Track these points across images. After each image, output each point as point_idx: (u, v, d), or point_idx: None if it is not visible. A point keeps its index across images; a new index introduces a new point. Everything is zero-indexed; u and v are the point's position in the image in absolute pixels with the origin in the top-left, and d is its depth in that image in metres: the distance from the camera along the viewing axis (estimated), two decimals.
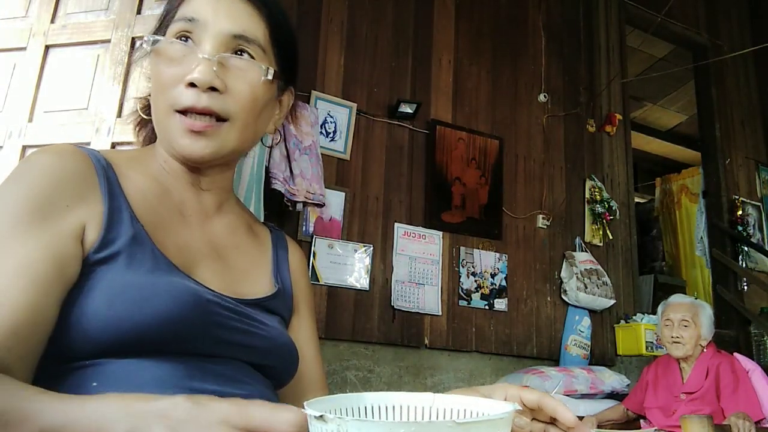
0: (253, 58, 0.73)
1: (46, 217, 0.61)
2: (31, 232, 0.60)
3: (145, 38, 0.71)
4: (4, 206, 0.61)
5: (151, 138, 0.85)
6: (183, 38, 0.71)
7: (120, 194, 0.69)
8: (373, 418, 0.53)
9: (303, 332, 0.86)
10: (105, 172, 0.69)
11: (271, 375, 0.75)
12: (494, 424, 0.42)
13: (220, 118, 0.71)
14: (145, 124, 0.85)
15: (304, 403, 0.47)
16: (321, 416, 0.41)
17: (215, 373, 0.66)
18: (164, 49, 0.71)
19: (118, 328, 0.60)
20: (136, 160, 0.76)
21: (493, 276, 3.75)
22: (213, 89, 0.69)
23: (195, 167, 0.76)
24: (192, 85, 0.68)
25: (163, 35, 0.73)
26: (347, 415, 0.44)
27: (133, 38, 2.43)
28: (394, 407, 0.56)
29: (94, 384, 0.59)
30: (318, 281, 3.16)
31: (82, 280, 0.62)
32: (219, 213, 0.81)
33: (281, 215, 3.09)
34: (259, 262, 0.83)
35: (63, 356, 0.60)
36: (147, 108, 0.80)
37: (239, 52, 0.72)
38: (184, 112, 0.69)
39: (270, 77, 0.73)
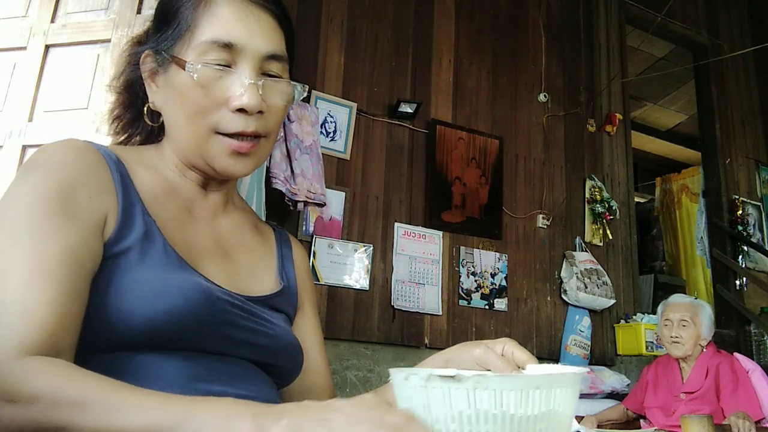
0: (281, 75, 0.75)
1: (73, 206, 0.62)
2: (65, 220, 0.60)
3: (187, 65, 0.69)
4: (32, 196, 0.61)
5: (130, 134, 0.84)
6: (220, 64, 0.70)
7: (132, 189, 0.70)
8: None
9: (307, 330, 0.86)
10: (117, 167, 0.70)
11: (276, 374, 0.75)
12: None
13: (259, 136, 0.73)
14: (129, 121, 0.84)
15: (391, 371, 0.48)
16: (454, 376, 0.42)
17: (221, 371, 0.66)
18: (201, 72, 0.70)
19: (129, 323, 0.60)
20: (142, 158, 0.76)
21: (493, 276, 3.75)
22: (259, 112, 0.71)
23: (211, 176, 0.77)
24: (240, 110, 0.69)
25: (170, 44, 0.72)
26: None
27: (133, 38, 2.43)
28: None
29: None
30: (318, 281, 3.16)
31: (96, 273, 0.62)
32: (225, 211, 0.82)
33: (282, 215, 3.09)
34: (264, 260, 0.84)
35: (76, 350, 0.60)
36: (142, 114, 0.79)
37: (273, 71, 0.74)
38: (229, 134, 0.71)
39: (304, 95, 0.76)
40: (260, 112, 0.71)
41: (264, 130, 0.72)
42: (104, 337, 0.60)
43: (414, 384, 0.44)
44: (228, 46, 0.70)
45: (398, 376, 0.46)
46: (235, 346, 0.69)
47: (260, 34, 0.72)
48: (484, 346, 0.65)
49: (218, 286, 0.71)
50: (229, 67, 0.71)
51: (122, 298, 0.61)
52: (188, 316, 0.63)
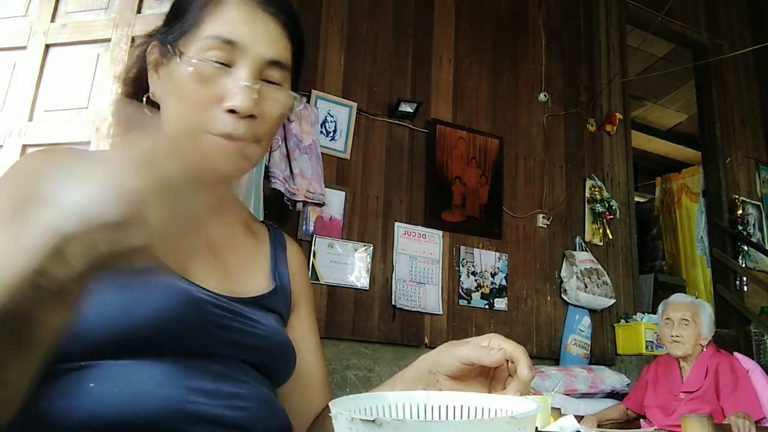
0: (281, 84, 0.74)
1: (22, 215, 0.61)
2: (9, 223, 0.59)
3: (185, 57, 0.69)
4: None
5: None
6: (219, 61, 0.70)
7: None
8: (405, 418, 0.53)
9: (303, 330, 0.86)
10: None
11: (269, 373, 0.75)
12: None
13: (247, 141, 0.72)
14: None
15: (330, 404, 0.47)
16: (374, 420, 0.41)
17: (212, 372, 0.66)
18: (198, 67, 0.69)
19: (110, 328, 0.60)
20: None
21: (493, 275, 3.75)
22: (250, 116, 0.70)
23: None
24: (232, 111, 0.68)
25: (175, 37, 0.72)
26: (389, 417, 0.44)
27: (133, 37, 2.44)
28: (419, 406, 0.56)
29: (91, 384, 0.59)
30: (318, 280, 3.16)
31: None
32: (215, 211, 0.81)
33: (281, 214, 3.09)
34: (256, 260, 0.83)
35: (55, 356, 0.60)
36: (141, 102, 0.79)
37: (273, 78, 0.73)
38: (218, 135, 0.70)
39: (301, 106, 0.75)
40: (252, 116, 0.69)
41: (254, 135, 0.71)
42: (88, 344, 0.60)
43: (341, 424, 0.44)
44: (229, 43, 0.70)
45: (332, 412, 0.46)
46: (222, 347, 0.68)
47: (264, 39, 0.71)
48: (466, 343, 0.64)
49: (203, 288, 0.70)
50: (228, 66, 0.70)
51: (102, 304, 0.60)
52: (170, 318, 0.63)
